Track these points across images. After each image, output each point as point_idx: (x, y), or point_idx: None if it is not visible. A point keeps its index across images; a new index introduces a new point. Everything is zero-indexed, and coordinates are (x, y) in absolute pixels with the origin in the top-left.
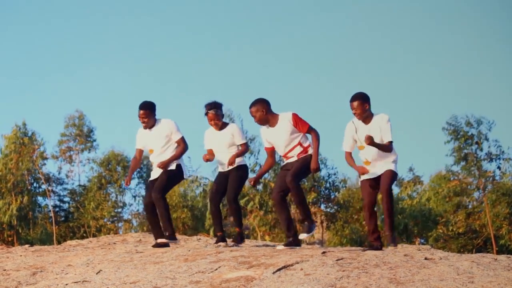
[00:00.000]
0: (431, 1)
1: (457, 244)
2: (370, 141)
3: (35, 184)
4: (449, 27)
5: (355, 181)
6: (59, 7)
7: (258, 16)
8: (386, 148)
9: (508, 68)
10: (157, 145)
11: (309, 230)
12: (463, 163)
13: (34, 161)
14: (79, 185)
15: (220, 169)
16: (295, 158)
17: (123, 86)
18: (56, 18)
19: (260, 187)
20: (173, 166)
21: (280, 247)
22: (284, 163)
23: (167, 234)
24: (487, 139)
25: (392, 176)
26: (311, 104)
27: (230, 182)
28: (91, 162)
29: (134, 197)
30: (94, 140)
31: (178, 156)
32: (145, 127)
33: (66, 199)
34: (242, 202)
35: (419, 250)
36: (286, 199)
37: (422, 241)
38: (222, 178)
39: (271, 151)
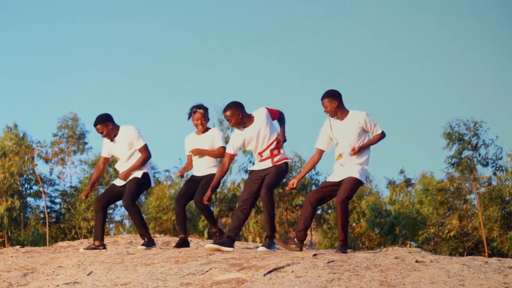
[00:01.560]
0: (430, 6)
1: (448, 247)
2: (356, 150)
3: (26, 185)
4: (448, 31)
5: None
6: (53, 10)
7: (258, 20)
8: (379, 140)
9: (508, 72)
10: (122, 154)
11: (269, 246)
12: (453, 169)
13: (26, 162)
14: (70, 186)
15: (195, 173)
16: (268, 162)
17: (117, 88)
18: (51, 20)
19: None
20: (138, 174)
21: (261, 248)
22: (254, 169)
23: (145, 240)
24: (485, 144)
25: (353, 185)
26: (309, 108)
27: (201, 185)
28: (83, 164)
29: None
30: (86, 143)
31: (138, 166)
32: (110, 140)
33: (57, 200)
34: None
35: (410, 252)
36: (254, 205)
37: (413, 243)
38: (193, 182)
39: (231, 159)
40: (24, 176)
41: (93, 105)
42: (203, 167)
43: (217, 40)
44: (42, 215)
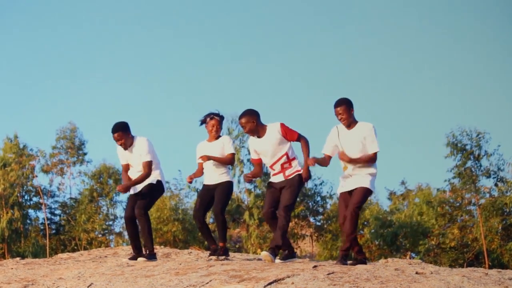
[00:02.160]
0: (429, 11)
1: (448, 258)
2: (345, 157)
3: (26, 197)
4: (449, 37)
5: None
6: (52, 20)
7: (266, 27)
8: (369, 159)
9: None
10: (135, 163)
11: (287, 257)
12: (456, 179)
13: (25, 173)
14: (70, 198)
15: (206, 182)
16: (280, 176)
17: (116, 98)
18: (50, 30)
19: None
20: (153, 181)
21: (277, 260)
22: (271, 181)
23: (147, 252)
24: (487, 154)
25: (364, 194)
26: (308, 115)
27: (217, 196)
28: (83, 175)
29: None
30: (86, 154)
31: (138, 181)
32: (124, 149)
33: (57, 211)
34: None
35: (410, 264)
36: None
37: (413, 255)
38: (207, 192)
39: (258, 163)
40: (24, 187)
41: (91, 115)
42: (215, 175)
43: (220, 47)
44: (42, 227)
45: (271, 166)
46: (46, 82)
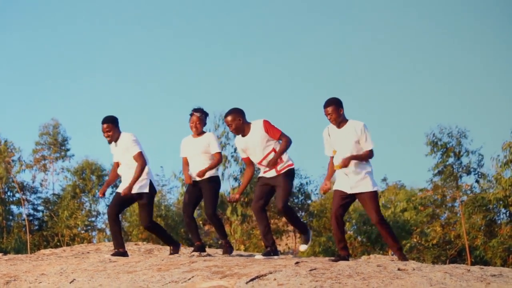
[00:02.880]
0: (413, 13)
1: (431, 255)
2: (346, 163)
3: (8, 193)
4: (431, 37)
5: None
6: (36, 17)
7: (262, 25)
8: (366, 157)
9: (493, 81)
10: (122, 159)
11: (307, 240)
12: (437, 177)
13: (8, 169)
14: (53, 194)
15: (192, 178)
16: (272, 171)
17: (99, 95)
18: (34, 27)
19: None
20: (145, 189)
21: (259, 256)
22: (261, 176)
23: (172, 249)
24: (467, 152)
25: (375, 200)
26: (303, 113)
27: (206, 197)
28: (65, 171)
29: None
30: (68, 150)
31: (137, 177)
32: (109, 141)
33: (40, 207)
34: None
35: (393, 260)
36: (266, 209)
37: None
38: (194, 188)
39: (249, 161)
40: (7, 183)
41: (75, 111)
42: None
43: (214, 45)
44: (24, 223)
45: (259, 163)
46: (28, 78)
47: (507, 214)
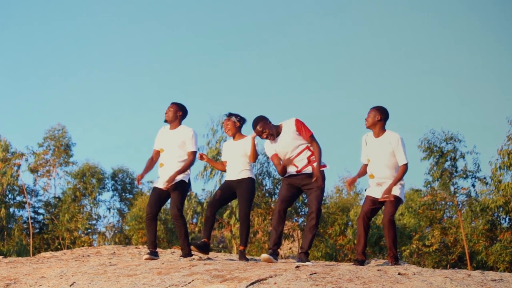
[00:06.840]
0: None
1: (431, 260)
2: (388, 194)
3: (10, 196)
4: (424, 38)
5: (330, 193)
6: (38, 19)
7: (258, 22)
8: (401, 175)
9: (486, 86)
10: (171, 149)
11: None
12: (436, 182)
13: (12, 172)
14: (54, 197)
15: (228, 178)
16: (308, 168)
17: (101, 98)
18: (37, 28)
19: None
20: (186, 179)
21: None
22: (292, 175)
23: (184, 252)
24: (463, 156)
25: (396, 203)
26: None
27: (241, 198)
28: (68, 176)
29: (109, 209)
30: (72, 155)
31: (182, 171)
32: (166, 119)
33: (41, 211)
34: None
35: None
36: (287, 211)
37: None
38: (228, 187)
39: (277, 158)
40: (8, 186)
41: (75, 115)
42: (236, 170)
43: (212, 43)
44: (25, 226)
45: (293, 160)
46: (32, 81)
47: (507, 220)
